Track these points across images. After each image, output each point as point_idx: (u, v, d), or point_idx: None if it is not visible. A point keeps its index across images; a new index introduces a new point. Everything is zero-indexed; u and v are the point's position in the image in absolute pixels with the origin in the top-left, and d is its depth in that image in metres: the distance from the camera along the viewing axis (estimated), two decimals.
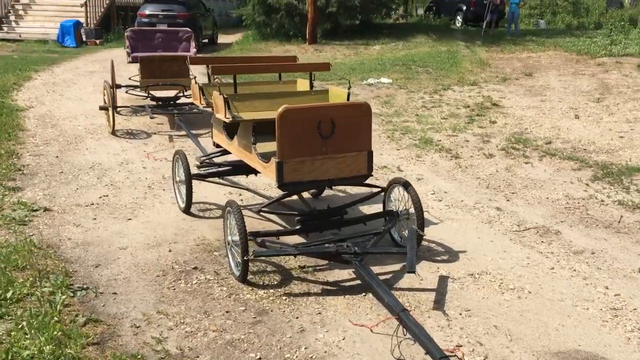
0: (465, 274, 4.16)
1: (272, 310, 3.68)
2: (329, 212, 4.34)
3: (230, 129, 4.99)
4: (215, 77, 5.42)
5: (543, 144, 7.65)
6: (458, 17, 25.73)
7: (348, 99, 4.76)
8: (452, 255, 4.46)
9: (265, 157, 4.25)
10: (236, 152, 4.79)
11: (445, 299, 3.81)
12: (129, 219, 5.17)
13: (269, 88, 5.36)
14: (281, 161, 3.95)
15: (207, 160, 5.40)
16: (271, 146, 4.57)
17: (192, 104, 8.77)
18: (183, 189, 5.33)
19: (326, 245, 4.01)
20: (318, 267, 4.25)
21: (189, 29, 9.88)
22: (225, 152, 5.35)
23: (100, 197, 5.67)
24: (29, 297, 3.71)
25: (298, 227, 4.26)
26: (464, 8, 25.47)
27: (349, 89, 4.84)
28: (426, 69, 13.81)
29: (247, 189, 5.64)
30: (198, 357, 3.22)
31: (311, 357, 3.22)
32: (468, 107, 9.95)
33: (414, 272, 3.67)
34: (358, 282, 4.05)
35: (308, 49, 18.50)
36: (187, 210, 5.27)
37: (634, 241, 4.72)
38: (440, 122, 8.94)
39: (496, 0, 22.12)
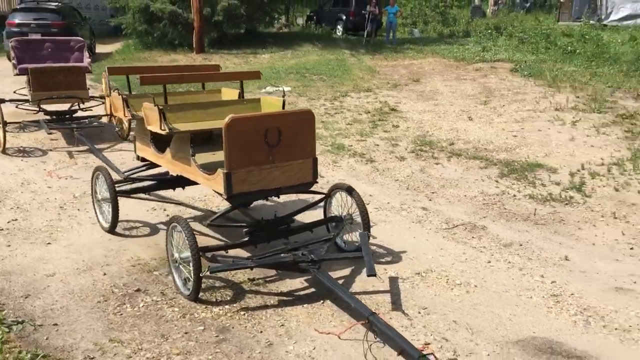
0: (412, 273, 4.27)
1: (233, 327, 3.56)
2: (277, 221, 4.28)
3: (160, 142, 4.79)
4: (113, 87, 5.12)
5: (447, 145, 8.05)
6: (339, 27, 26.36)
7: (283, 108, 4.73)
8: (394, 256, 4.56)
9: (207, 168, 4.12)
10: (169, 165, 4.59)
11: (400, 299, 3.89)
12: (49, 244, 4.78)
13: (196, 98, 5.19)
14: (229, 172, 3.84)
15: (131, 176, 5.12)
16: (207, 157, 4.44)
17: (91, 117, 8.30)
18: (106, 207, 5.03)
19: (282, 255, 3.95)
20: (268, 279, 4.17)
21: (81, 38, 9.33)
22: (151, 165, 5.12)
23: (8, 222, 5.19)
24: None
25: (246, 238, 4.15)
26: (344, 18, 26.14)
27: (283, 97, 4.81)
28: (320, 77, 14.02)
29: (180, 203, 5.42)
30: None
31: (300, 354, 3.15)
32: (369, 112, 10.23)
33: (375, 274, 3.71)
34: (312, 290, 4.03)
35: (196, 58, 18.13)
36: (112, 230, 4.97)
37: (552, 231, 5.09)
38: (346, 127, 9.12)
39: (375, 10, 22.95)
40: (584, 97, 11.11)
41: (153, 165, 5.13)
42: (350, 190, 4.37)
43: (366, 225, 4.29)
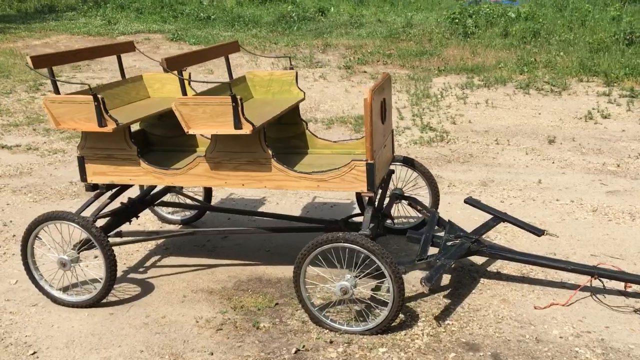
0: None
1: (465, 340, 2.91)
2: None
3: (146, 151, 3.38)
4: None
5: None
6: None
7: (297, 82, 3.86)
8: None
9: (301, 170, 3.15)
10: (207, 181, 3.23)
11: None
12: (34, 353, 2.87)
13: (129, 88, 3.71)
14: (373, 162, 3.03)
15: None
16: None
17: None
18: (72, 271, 3.27)
19: (450, 244, 3.33)
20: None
21: None
22: (116, 193, 3.51)
23: None
24: None
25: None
26: None
27: (291, 68, 3.88)
28: None
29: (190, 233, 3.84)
30: None
31: (577, 334, 2.82)
32: None
33: (544, 232, 3.52)
34: (450, 275, 3.55)
35: None
36: (102, 298, 3.28)
37: (484, 165, 5.50)
38: None
39: None
40: (283, 58, 11.75)
41: (118, 192, 3.53)
42: (409, 161, 3.88)
43: (437, 194, 3.94)
